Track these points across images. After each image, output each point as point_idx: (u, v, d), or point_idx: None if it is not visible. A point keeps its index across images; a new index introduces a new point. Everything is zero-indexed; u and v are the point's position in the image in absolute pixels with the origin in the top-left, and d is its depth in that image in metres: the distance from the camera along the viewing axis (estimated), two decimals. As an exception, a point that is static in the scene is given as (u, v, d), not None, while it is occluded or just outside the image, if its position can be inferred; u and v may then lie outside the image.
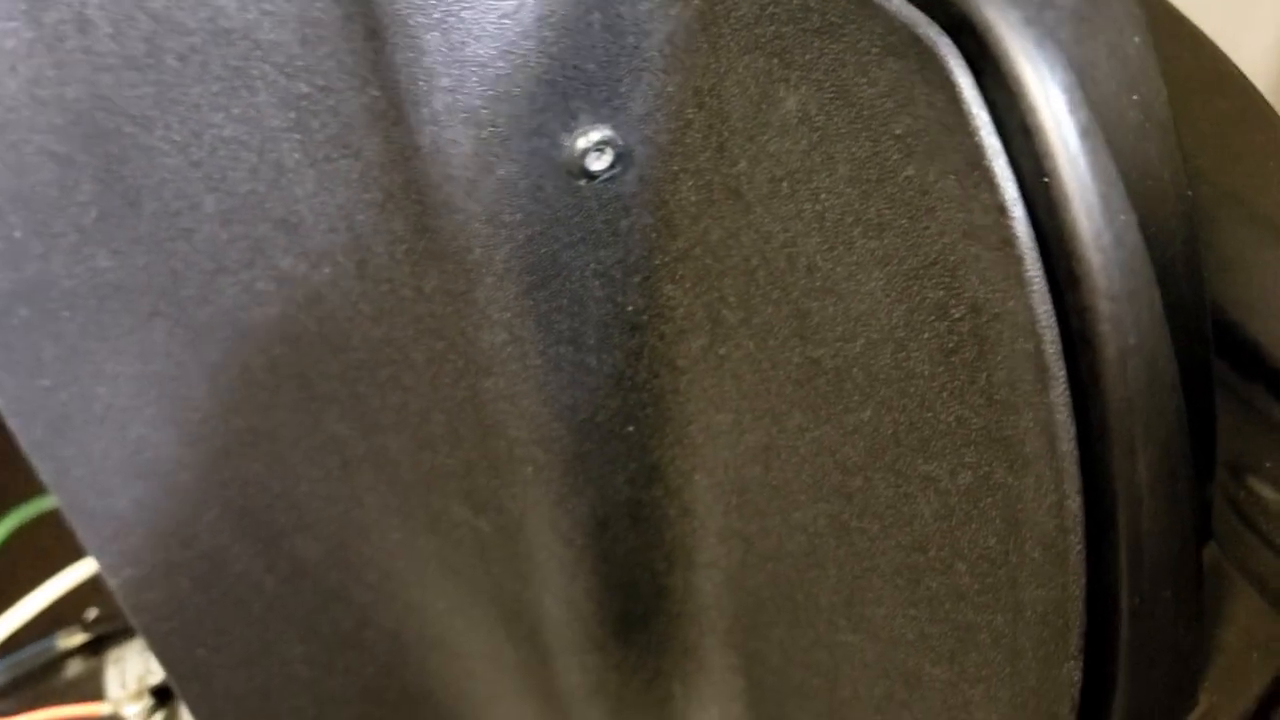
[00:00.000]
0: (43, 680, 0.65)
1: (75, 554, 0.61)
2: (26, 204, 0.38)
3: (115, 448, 0.43)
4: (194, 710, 0.50)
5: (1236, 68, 0.39)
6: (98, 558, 0.45)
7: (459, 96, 0.33)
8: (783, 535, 0.39)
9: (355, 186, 0.36)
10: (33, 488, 0.65)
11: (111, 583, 0.46)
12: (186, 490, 0.45)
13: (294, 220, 0.38)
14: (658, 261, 0.36)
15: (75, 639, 0.66)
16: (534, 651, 0.49)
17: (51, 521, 0.62)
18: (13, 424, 0.42)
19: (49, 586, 0.60)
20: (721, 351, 0.37)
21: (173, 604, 0.47)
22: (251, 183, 0.37)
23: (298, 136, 0.36)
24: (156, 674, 0.63)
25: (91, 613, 0.67)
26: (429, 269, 0.38)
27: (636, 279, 0.36)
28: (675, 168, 0.34)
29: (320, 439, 0.44)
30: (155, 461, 0.44)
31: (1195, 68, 0.38)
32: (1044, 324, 0.25)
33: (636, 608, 0.46)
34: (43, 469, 0.43)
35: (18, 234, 0.39)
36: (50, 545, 0.61)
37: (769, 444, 0.37)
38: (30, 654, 0.65)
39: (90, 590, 0.61)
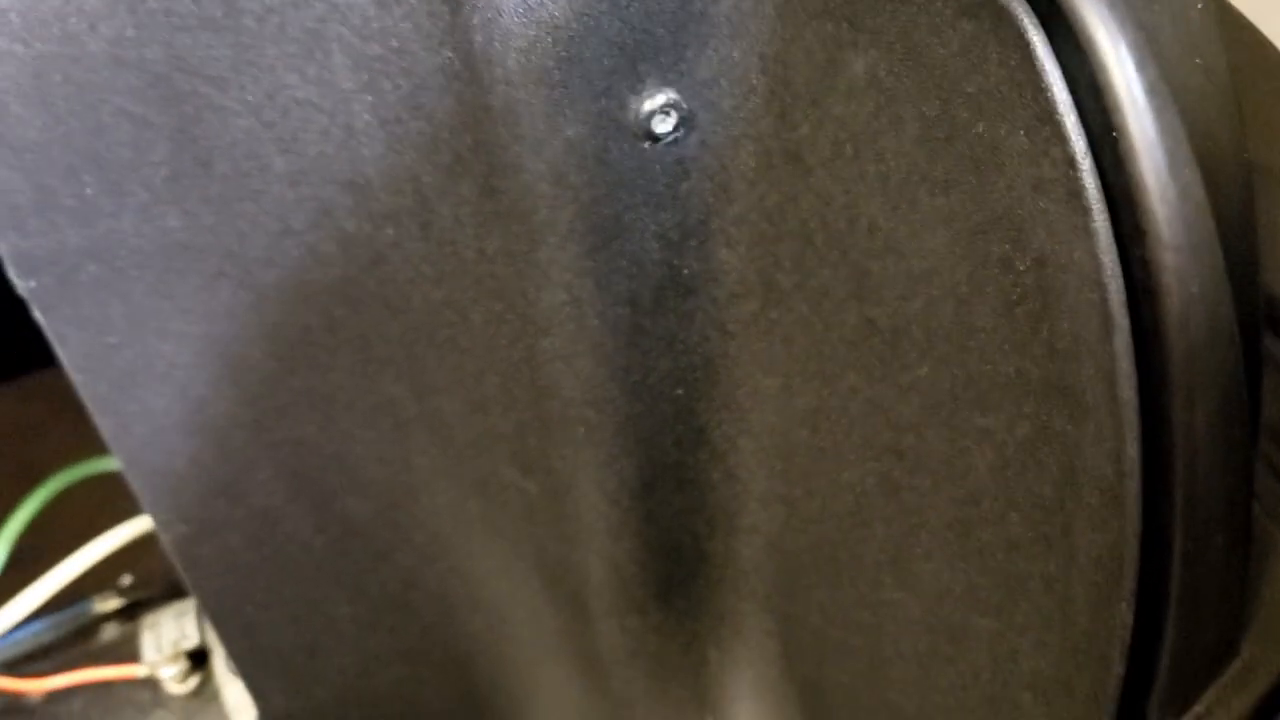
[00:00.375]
0: (79, 643, 0.66)
1: (110, 520, 0.62)
2: (101, 163, 0.39)
3: (175, 406, 0.44)
4: (240, 667, 0.51)
5: (1277, 50, 0.40)
6: (152, 513, 0.46)
7: (533, 57, 0.34)
8: (828, 497, 0.40)
9: (424, 148, 0.37)
10: (66, 457, 0.66)
11: (165, 538, 0.47)
12: (241, 449, 0.46)
13: (361, 182, 0.39)
14: (714, 226, 0.37)
15: (111, 603, 0.67)
16: (576, 614, 0.50)
17: (87, 489, 0.63)
18: (77, 379, 0.43)
19: (85, 551, 0.61)
20: (773, 316, 0.38)
21: (224, 561, 0.48)
22: (321, 144, 0.39)
23: (369, 98, 0.37)
24: (191, 638, 0.64)
25: (126, 579, 0.67)
26: (493, 230, 0.39)
27: (693, 242, 0.38)
28: (736, 132, 0.35)
29: (375, 401, 0.45)
30: (213, 420, 0.45)
31: (1238, 50, 0.39)
32: (1109, 274, 0.26)
33: (677, 572, 0.47)
34: (103, 425, 0.44)
35: (90, 192, 0.40)
36: (85, 512, 0.62)
37: (818, 406, 0.38)
38: (67, 617, 0.66)
39: (125, 556, 0.62)
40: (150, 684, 0.63)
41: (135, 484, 0.45)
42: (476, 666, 0.54)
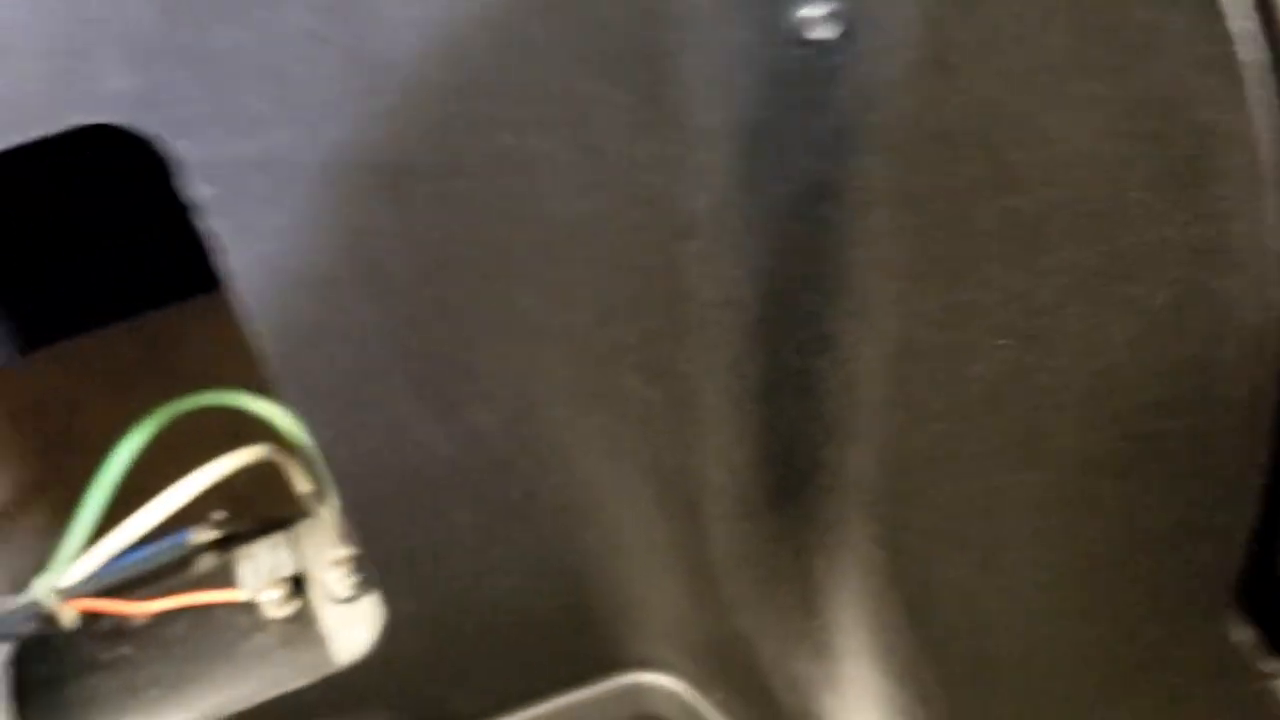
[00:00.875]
0: (176, 574, 0.68)
1: (203, 457, 0.64)
2: (276, 77, 0.41)
3: (323, 314, 0.47)
4: (375, 567, 0.54)
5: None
6: (299, 415, 0.49)
7: (706, -40, 0.37)
8: (953, 393, 0.43)
9: (591, 57, 0.40)
10: (110, 422, 0.68)
11: (312, 441, 0.50)
12: (379, 355, 0.49)
13: (524, 94, 0.42)
14: (858, 132, 0.40)
15: (206, 535, 0.69)
16: (688, 522, 0.53)
17: (181, 428, 0.65)
18: (237, 286, 0.45)
19: (181, 486, 0.63)
20: (908, 219, 0.41)
21: (360, 464, 0.51)
22: (488, 60, 0.41)
23: (541, 6, 0.40)
24: (287, 566, 0.65)
25: (220, 513, 0.69)
26: (645, 136, 0.42)
27: (837, 148, 0.41)
28: (888, 39, 0.38)
29: (506, 313, 0.48)
30: (355, 328, 0.48)
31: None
32: (1265, 136, 0.29)
33: (790, 479, 0.50)
34: (260, 331, 0.47)
35: (262, 106, 0.42)
36: (179, 450, 0.63)
37: (949, 303, 0.41)
38: (165, 548, 0.68)
39: (218, 492, 0.64)
40: (249, 609, 0.65)
41: (286, 389, 0.48)
42: (587, 579, 0.57)
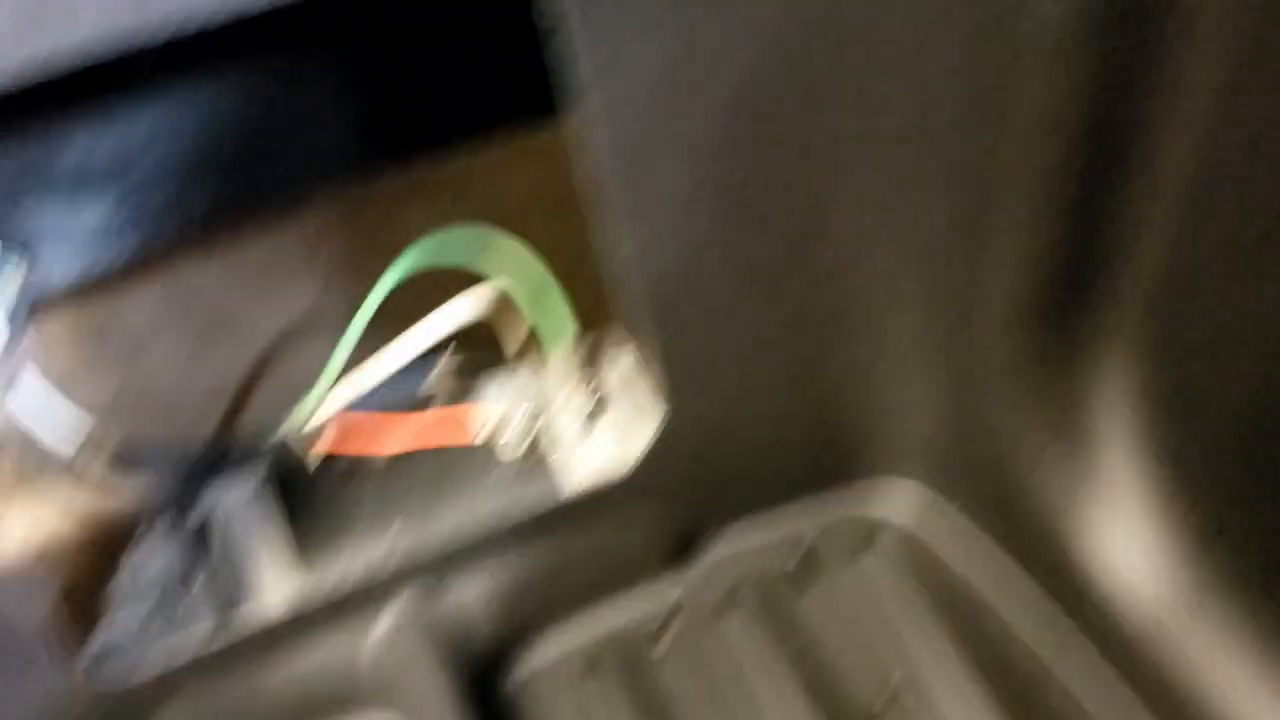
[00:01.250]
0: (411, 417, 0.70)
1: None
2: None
3: (653, 127, 0.51)
4: (662, 368, 0.58)
5: None
6: (625, 231, 0.53)
7: None
8: (1253, 202, 0.46)
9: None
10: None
11: (621, 253, 0.54)
12: (696, 170, 0.52)
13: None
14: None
15: (444, 380, 0.71)
16: (959, 333, 0.57)
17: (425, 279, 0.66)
18: (584, 101, 0.48)
19: (419, 331, 0.65)
20: (1239, 30, 0.44)
21: (664, 272, 0.55)
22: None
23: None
24: (519, 410, 0.68)
25: (456, 357, 0.72)
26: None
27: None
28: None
29: (815, 128, 0.52)
30: (679, 141, 0.51)
31: None
32: None
33: (1069, 292, 0.54)
34: (598, 143, 0.50)
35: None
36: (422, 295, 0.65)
37: (1267, 114, 0.44)
38: (403, 391, 0.70)
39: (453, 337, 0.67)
40: (484, 450, 0.67)
41: (614, 198, 0.51)
42: (845, 389, 0.61)
